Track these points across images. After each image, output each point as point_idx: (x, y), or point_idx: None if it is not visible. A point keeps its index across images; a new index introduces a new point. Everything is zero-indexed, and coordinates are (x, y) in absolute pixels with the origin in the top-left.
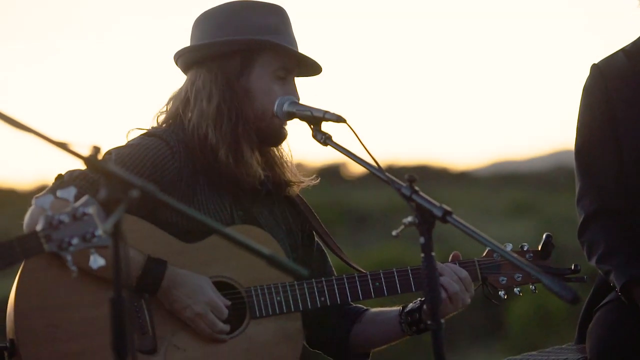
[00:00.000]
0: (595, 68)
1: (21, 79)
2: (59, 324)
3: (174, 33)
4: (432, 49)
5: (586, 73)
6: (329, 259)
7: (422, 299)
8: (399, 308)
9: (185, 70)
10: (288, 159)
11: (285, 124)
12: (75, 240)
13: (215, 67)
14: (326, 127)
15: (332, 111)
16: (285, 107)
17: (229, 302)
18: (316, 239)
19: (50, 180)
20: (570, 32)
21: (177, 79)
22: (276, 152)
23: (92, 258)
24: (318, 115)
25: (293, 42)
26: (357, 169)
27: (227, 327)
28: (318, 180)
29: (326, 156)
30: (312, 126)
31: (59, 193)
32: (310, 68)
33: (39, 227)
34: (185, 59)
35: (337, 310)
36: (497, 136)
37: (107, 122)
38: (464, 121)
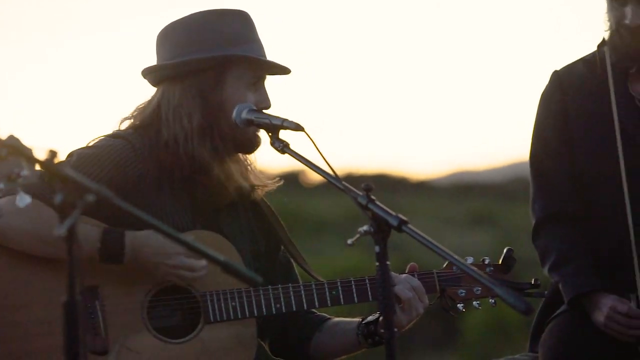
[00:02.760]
0: (555, 75)
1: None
2: (15, 324)
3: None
4: (391, 57)
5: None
6: (295, 268)
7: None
8: (358, 319)
9: (155, 84)
10: (252, 163)
11: (259, 131)
12: (24, 172)
13: (188, 83)
14: (284, 134)
15: (290, 119)
16: (244, 115)
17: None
18: (281, 247)
19: None
20: (531, 39)
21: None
22: (240, 157)
23: (18, 197)
24: (276, 123)
25: (260, 47)
26: (316, 177)
27: (204, 262)
28: (282, 182)
29: (285, 163)
30: (270, 134)
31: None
32: (280, 70)
33: None
34: (156, 76)
35: (299, 317)
36: (456, 146)
37: (69, 127)
38: (423, 130)
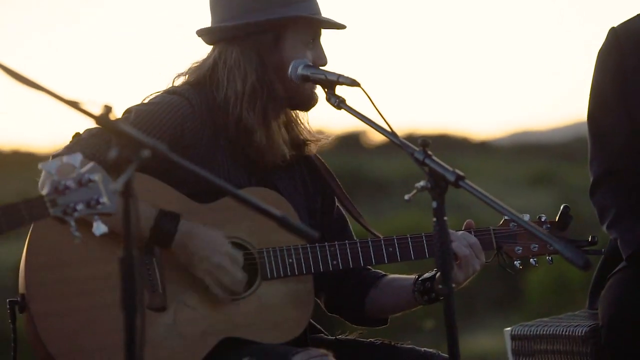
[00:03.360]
0: (612, 32)
1: (38, 43)
2: (68, 280)
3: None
4: (453, 17)
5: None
6: (350, 224)
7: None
8: (414, 276)
9: (210, 43)
10: (302, 118)
11: (315, 88)
12: (80, 206)
13: (247, 45)
14: (341, 90)
15: (346, 75)
16: (300, 71)
17: (242, 253)
18: (337, 203)
19: (67, 141)
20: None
21: (192, 47)
22: (292, 114)
23: (95, 225)
24: (332, 79)
25: (316, 4)
26: (376, 137)
27: (246, 277)
28: (334, 137)
29: (345, 124)
30: (326, 90)
31: (64, 159)
32: (335, 26)
33: (45, 192)
34: (214, 37)
35: (355, 274)
36: (517, 106)
37: (123, 84)
38: (485, 91)
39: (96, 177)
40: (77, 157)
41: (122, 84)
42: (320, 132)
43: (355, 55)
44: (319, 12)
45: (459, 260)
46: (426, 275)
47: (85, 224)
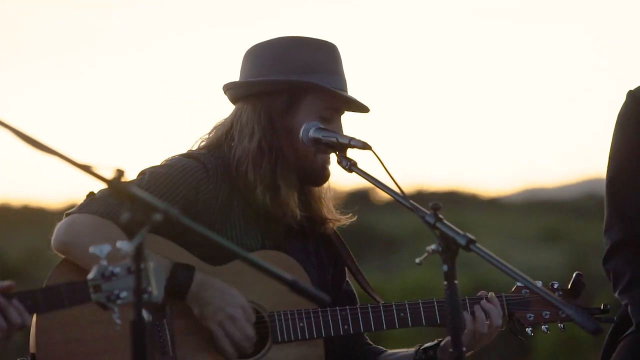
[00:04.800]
0: (630, 95)
1: (47, 96)
2: (78, 340)
3: (203, 51)
4: (462, 74)
5: (620, 100)
6: (357, 299)
7: (440, 339)
8: (416, 347)
9: (233, 101)
10: (326, 196)
11: (328, 164)
12: (124, 294)
13: (260, 104)
14: (352, 153)
15: (357, 138)
16: (311, 133)
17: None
18: (347, 277)
19: (78, 199)
20: (604, 58)
21: (207, 103)
22: (315, 189)
23: (114, 315)
24: (343, 142)
25: (342, 81)
26: (386, 194)
27: (255, 336)
28: (355, 219)
29: (355, 181)
30: (337, 152)
31: (118, 244)
32: (359, 106)
33: (90, 276)
34: (233, 93)
35: (358, 349)
36: (527, 163)
37: (135, 144)
38: (495, 147)
39: (147, 265)
40: (129, 244)
41: (135, 144)
42: (342, 213)
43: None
44: (343, 89)
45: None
46: (428, 344)
47: None
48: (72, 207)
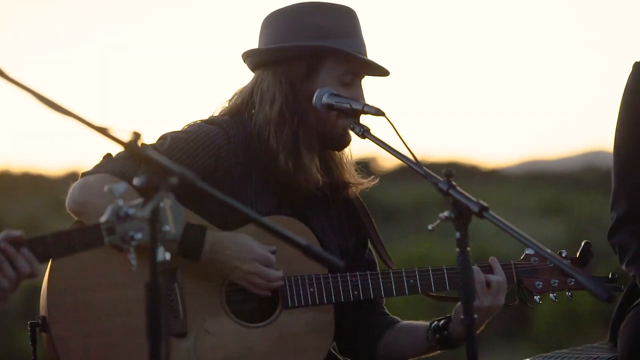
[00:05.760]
0: (637, 66)
1: (57, 64)
2: (89, 303)
3: (216, 17)
4: (466, 45)
5: (623, 71)
6: (378, 268)
7: (449, 315)
8: (428, 323)
9: (253, 69)
10: (348, 160)
11: (349, 129)
12: (139, 235)
13: (280, 71)
14: (364, 119)
15: (370, 104)
16: (324, 99)
17: (273, 248)
18: (369, 245)
19: (79, 166)
20: (607, 30)
21: (223, 71)
22: (336, 154)
23: (130, 256)
24: (357, 108)
25: (361, 44)
26: (387, 164)
27: (281, 273)
28: (377, 181)
29: (357, 150)
30: (350, 118)
31: (135, 180)
32: (378, 70)
33: (103, 219)
34: (252, 60)
35: (371, 317)
36: (528, 135)
37: (152, 110)
38: (495, 118)
39: (164, 203)
40: (122, 186)
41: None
42: (364, 177)
43: (365, 82)
44: (362, 53)
45: (491, 287)
46: (442, 318)
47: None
48: (72, 174)
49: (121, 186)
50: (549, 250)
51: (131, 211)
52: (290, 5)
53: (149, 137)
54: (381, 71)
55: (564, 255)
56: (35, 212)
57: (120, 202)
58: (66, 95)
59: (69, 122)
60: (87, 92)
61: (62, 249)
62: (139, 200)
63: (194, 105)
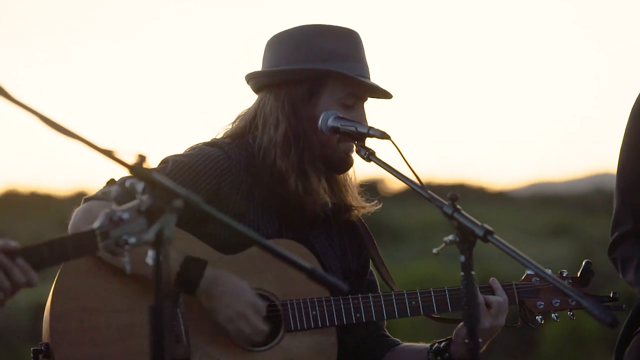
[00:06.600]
0: None
1: (57, 80)
2: (93, 328)
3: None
4: (471, 67)
5: (632, 95)
6: (379, 290)
7: (450, 337)
8: (429, 344)
9: (256, 91)
10: (351, 183)
11: (352, 152)
12: (132, 239)
13: (282, 93)
14: (369, 142)
15: (376, 127)
16: (330, 122)
17: (266, 305)
18: (371, 267)
19: (86, 186)
20: (612, 54)
21: (218, 87)
22: (340, 176)
23: (150, 253)
24: (362, 131)
25: (364, 67)
26: (394, 186)
27: (267, 328)
28: (380, 206)
29: (364, 172)
30: (355, 142)
31: (127, 183)
32: (381, 92)
33: (96, 224)
34: (255, 83)
35: (373, 339)
36: (535, 157)
37: (155, 130)
38: (503, 141)
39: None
40: (141, 185)
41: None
42: (367, 200)
43: (371, 104)
44: (365, 75)
45: (491, 308)
46: (443, 340)
47: (102, 268)
48: (80, 194)
49: (114, 189)
50: (549, 271)
51: (125, 215)
52: (293, 28)
53: (152, 158)
54: (384, 94)
55: (565, 275)
56: (42, 231)
57: (114, 207)
58: (66, 108)
59: (75, 144)
60: (87, 108)
61: (57, 257)
62: (132, 203)
63: (196, 123)
